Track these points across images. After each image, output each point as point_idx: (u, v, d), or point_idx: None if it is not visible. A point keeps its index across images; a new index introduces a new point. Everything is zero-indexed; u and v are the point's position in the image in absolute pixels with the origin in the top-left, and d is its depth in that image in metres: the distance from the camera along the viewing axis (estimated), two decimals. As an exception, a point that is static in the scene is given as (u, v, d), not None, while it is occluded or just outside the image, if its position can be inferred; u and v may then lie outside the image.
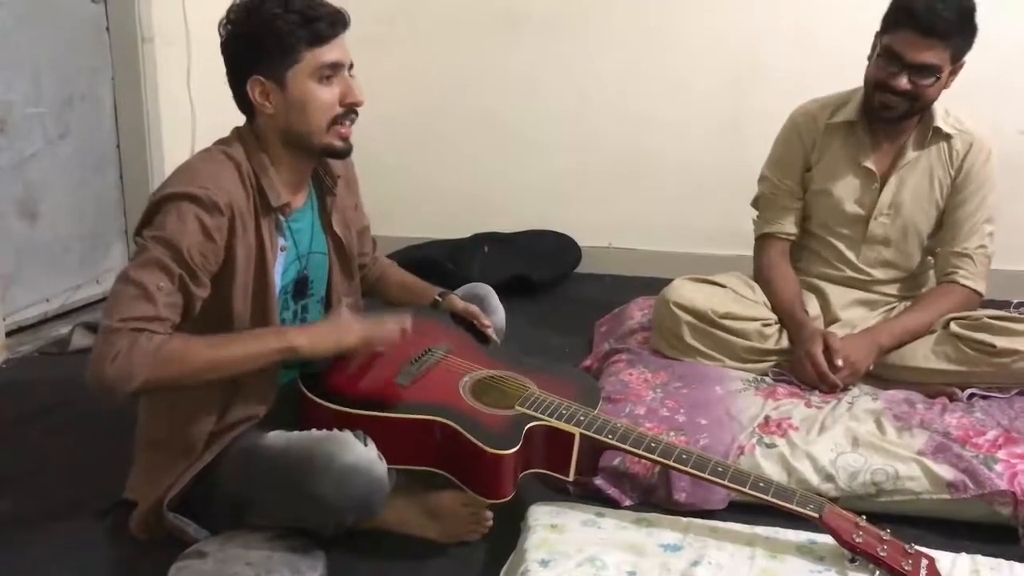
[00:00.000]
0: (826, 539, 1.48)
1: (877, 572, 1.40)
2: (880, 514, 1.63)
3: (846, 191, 2.23)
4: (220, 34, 1.54)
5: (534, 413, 1.55)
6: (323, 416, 1.52)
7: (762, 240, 2.34)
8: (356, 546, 1.58)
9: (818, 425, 1.87)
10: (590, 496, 1.74)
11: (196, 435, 1.54)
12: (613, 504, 1.72)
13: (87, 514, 1.69)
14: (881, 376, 2.12)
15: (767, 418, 1.91)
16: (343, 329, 1.53)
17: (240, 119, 1.61)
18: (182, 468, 1.53)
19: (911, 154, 2.18)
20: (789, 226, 2.29)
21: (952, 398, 2.01)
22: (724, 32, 3.22)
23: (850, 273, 2.27)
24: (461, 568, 1.57)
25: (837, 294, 2.27)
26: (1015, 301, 2.62)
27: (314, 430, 1.49)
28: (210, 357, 1.42)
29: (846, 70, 2.23)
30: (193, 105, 2.95)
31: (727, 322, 2.18)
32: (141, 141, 2.91)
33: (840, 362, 2.04)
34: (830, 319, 2.24)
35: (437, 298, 1.88)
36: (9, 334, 2.59)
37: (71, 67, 2.76)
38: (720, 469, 1.52)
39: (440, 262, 3.17)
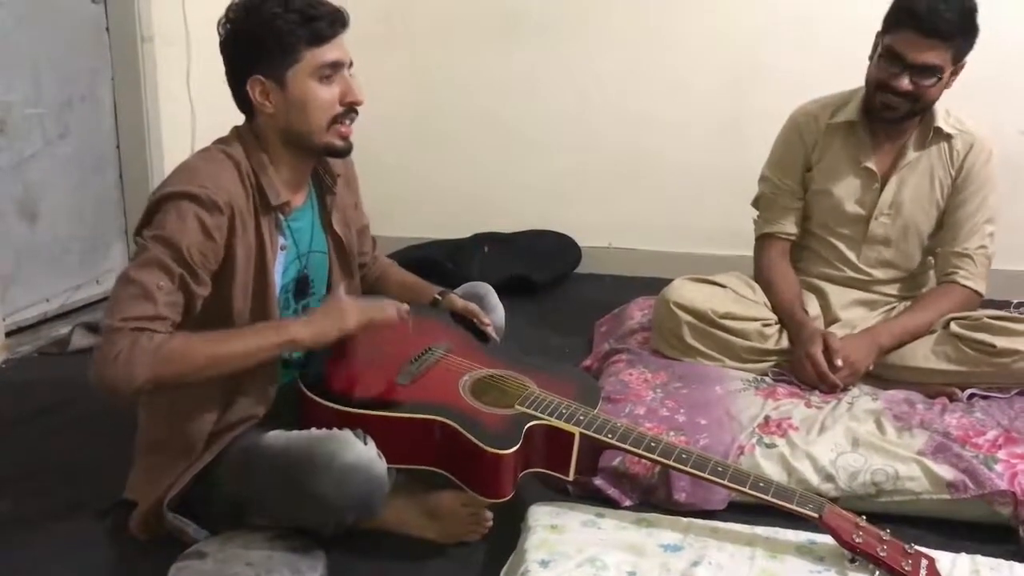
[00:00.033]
0: (826, 539, 1.48)
1: (877, 572, 1.40)
2: (880, 514, 1.63)
3: (847, 191, 2.22)
4: (219, 33, 1.54)
5: (534, 412, 1.55)
6: (323, 415, 1.52)
7: (762, 240, 2.34)
8: (356, 546, 1.58)
9: (818, 425, 1.87)
10: (590, 496, 1.74)
11: (196, 435, 1.54)
12: (613, 504, 1.72)
13: (87, 514, 1.69)
14: (881, 376, 2.12)
15: (767, 418, 1.91)
16: (342, 314, 1.53)
17: (240, 119, 1.61)
18: (182, 468, 1.53)
19: (912, 154, 2.18)
20: (789, 226, 2.29)
21: (952, 398, 2.01)
22: (724, 32, 3.22)
23: (850, 273, 2.27)
24: (461, 568, 1.57)
25: (837, 294, 2.27)
26: (1015, 301, 2.62)
27: (314, 429, 1.49)
28: (211, 354, 1.42)
29: (846, 70, 2.23)
30: (193, 105, 2.95)
31: (727, 322, 2.18)
32: (141, 141, 2.91)
33: (840, 362, 2.04)
34: (830, 319, 2.24)
35: (437, 297, 1.88)
36: (9, 334, 2.59)
37: (71, 67, 2.76)
38: (720, 469, 1.52)
39: (440, 262, 3.17)
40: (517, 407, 1.57)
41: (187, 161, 1.54)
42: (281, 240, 1.60)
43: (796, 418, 1.91)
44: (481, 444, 1.46)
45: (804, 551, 1.50)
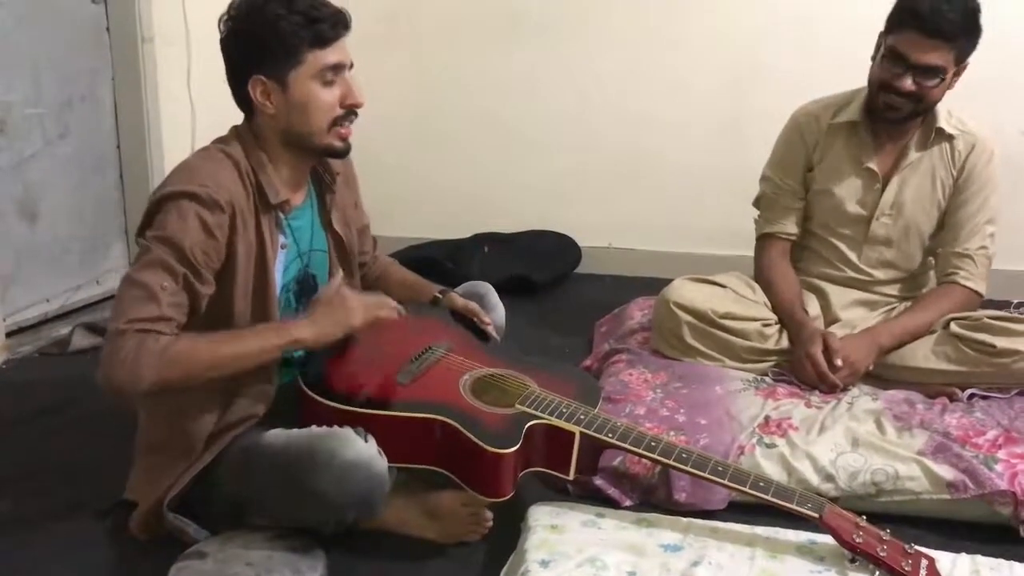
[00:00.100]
0: (826, 539, 1.48)
1: (877, 572, 1.40)
2: (880, 514, 1.63)
3: (848, 191, 2.22)
4: (220, 31, 1.53)
5: (534, 411, 1.55)
6: (323, 414, 1.52)
7: (763, 240, 2.34)
8: (356, 546, 1.58)
9: (818, 425, 1.87)
10: (590, 496, 1.74)
11: (196, 436, 1.54)
12: (613, 504, 1.72)
13: (87, 514, 1.69)
14: (881, 376, 2.12)
15: (767, 418, 1.91)
16: (346, 312, 1.53)
17: (240, 119, 1.61)
18: (182, 468, 1.53)
19: (913, 155, 2.18)
20: (790, 226, 2.29)
21: (952, 398, 2.01)
22: (724, 32, 3.22)
23: (851, 273, 2.27)
24: (461, 568, 1.57)
25: (838, 294, 2.27)
26: (1015, 301, 2.62)
27: (314, 427, 1.49)
28: (215, 355, 1.43)
29: (847, 70, 2.23)
30: (193, 105, 2.95)
31: (727, 322, 2.18)
32: (141, 141, 2.91)
33: (840, 362, 2.04)
34: (830, 319, 2.24)
35: (437, 295, 1.87)
36: (9, 334, 2.58)
37: (71, 67, 2.76)
38: (720, 468, 1.52)
39: (440, 261, 3.17)
40: (517, 406, 1.57)
41: (186, 160, 1.55)
42: (281, 239, 1.60)
43: (796, 418, 1.91)
44: (481, 443, 1.46)
45: (804, 551, 1.50)
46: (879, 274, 2.26)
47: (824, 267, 2.30)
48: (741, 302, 2.23)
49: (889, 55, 2.04)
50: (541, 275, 3.20)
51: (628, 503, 1.73)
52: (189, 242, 1.42)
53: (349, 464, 1.41)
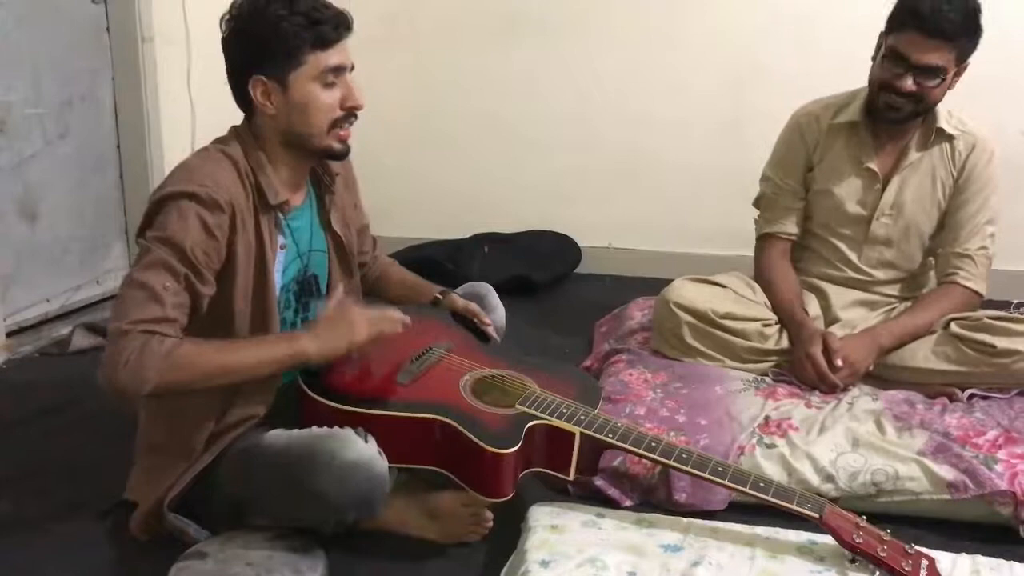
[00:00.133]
0: (826, 539, 1.48)
1: (877, 572, 1.40)
2: (880, 514, 1.63)
3: (848, 191, 2.22)
4: (221, 30, 1.53)
5: (534, 412, 1.55)
6: (324, 414, 1.52)
7: (763, 240, 2.34)
8: (356, 546, 1.58)
9: (818, 425, 1.87)
10: (590, 496, 1.74)
11: (196, 437, 1.54)
12: (613, 504, 1.72)
13: (87, 514, 1.69)
14: (881, 376, 2.12)
15: (767, 418, 1.91)
16: (351, 328, 1.53)
17: (240, 119, 1.61)
18: (182, 469, 1.53)
19: (914, 155, 2.18)
20: (790, 226, 2.29)
21: (952, 398, 2.01)
22: (724, 33, 3.22)
23: (851, 274, 2.27)
24: (461, 569, 1.57)
25: (838, 294, 2.27)
26: (1015, 301, 2.62)
27: (315, 427, 1.49)
28: (220, 362, 1.43)
29: (847, 71, 2.23)
30: (193, 105, 2.95)
31: (727, 322, 2.18)
32: (141, 141, 2.91)
33: (840, 362, 2.04)
34: (830, 319, 2.24)
35: (438, 296, 1.88)
36: (9, 334, 2.59)
37: (71, 67, 2.76)
38: (720, 469, 1.52)
39: (440, 262, 3.17)
40: (518, 407, 1.57)
41: (185, 161, 1.54)
42: (280, 239, 1.60)
43: (796, 418, 1.91)
44: (482, 444, 1.46)
45: (804, 551, 1.50)
46: (879, 274, 2.26)
47: (824, 267, 2.30)
48: (741, 302, 2.23)
49: (890, 55, 2.04)
50: (541, 275, 3.21)
51: (628, 503, 1.73)
52: (190, 242, 1.42)
53: (349, 465, 1.41)
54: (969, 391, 2.02)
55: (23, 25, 2.58)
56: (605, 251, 3.47)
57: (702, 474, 1.52)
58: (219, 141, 1.59)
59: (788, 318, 2.19)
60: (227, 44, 1.54)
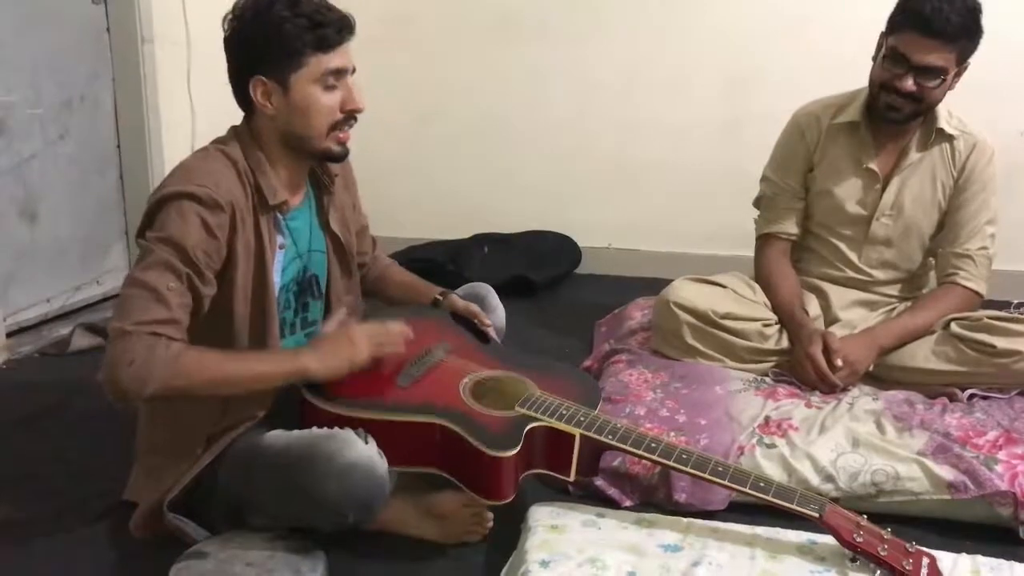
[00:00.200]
0: (827, 539, 1.48)
1: (878, 572, 1.40)
2: (880, 515, 1.63)
3: (848, 192, 2.23)
4: (224, 29, 1.53)
5: (534, 414, 1.55)
6: (323, 418, 1.51)
7: (763, 240, 2.34)
8: (356, 547, 1.58)
9: (818, 425, 1.87)
10: (591, 496, 1.74)
11: (196, 437, 1.54)
12: (613, 504, 1.72)
13: (87, 514, 1.69)
14: (881, 377, 2.12)
15: (767, 418, 1.91)
16: (353, 349, 1.53)
17: (240, 120, 1.61)
18: (182, 469, 1.53)
19: (914, 155, 2.18)
20: (790, 226, 2.29)
21: (952, 398, 2.01)
22: (724, 33, 3.22)
23: (851, 274, 2.27)
24: (461, 569, 1.57)
25: (838, 294, 2.27)
26: (1015, 301, 2.62)
27: (315, 428, 1.49)
28: (224, 373, 1.43)
29: (846, 72, 2.23)
30: (193, 106, 2.96)
31: (727, 322, 2.18)
32: (141, 142, 2.91)
33: (840, 362, 2.04)
34: (830, 319, 2.24)
35: (438, 297, 1.87)
36: (9, 335, 2.59)
37: (71, 68, 2.76)
38: (720, 469, 1.52)
39: (440, 263, 3.18)
40: (518, 409, 1.56)
41: (185, 161, 1.54)
42: (280, 239, 1.60)
43: (796, 418, 1.91)
44: (481, 447, 1.46)
45: (805, 551, 1.50)
46: (879, 274, 2.27)
47: (824, 267, 2.30)
48: (741, 302, 2.23)
49: (890, 55, 2.04)
50: (541, 275, 3.21)
51: (628, 503, 1.73)
52: (191, 242, 1.42)
53: (349, 466, 1.41)
54: (969, 391, 2.02)
55: (23, 26, 2.58)
56: (605, 251, 3.47)
57: (702, 474, 1.52)
58: (218, 141, 1.59)
59: (788, 318, 2.19)
60: (229, 44, 1.54)
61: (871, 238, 2.23)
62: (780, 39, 3.15)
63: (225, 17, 1.53)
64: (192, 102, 2.95)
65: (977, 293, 2.17)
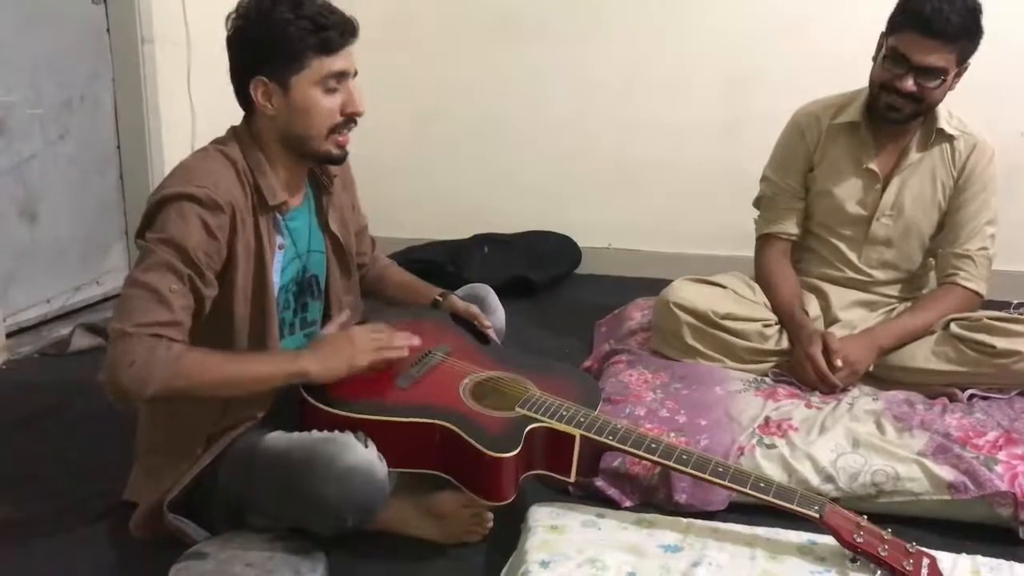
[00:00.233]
0: (827, 540, 1.48)
1: (878, 572, 1.40)
2: (880, 515, 1.62)
3: (848, 192, 2.23)
4: (227, 28, 1.53)
5: (534, 415, 1.55)
6: (323, 419, 1.51)
7: (763, 240, 2.34)
8: (357, 547, 1.58)
9: (818, 426, 1.87)
10: (591, 497, 1.74)
11: (195, 437, 1.54)
12: (614, 505, 1.72)
13: (87, 514, 1.69)
14: (881, 377, 2.12)
15: (767, 419, 1.91)
16: (353, 353, 1.53)
17: (240, 120, 1.61)
18: (182, 469, 1.53)
19: (914, 155, 2.18)
20: (790, 226, 2.29)
21: (952, 399, 2.01)
22: (724, 33, 3.22)
23: (851, 274, 2.27)
24: (461, 569, 1.57)
25: (838, 295, 2.27)
26: (1015, 302, 2.62)
27: (315, 431, 1.49)
28: (224, 374, 1.43)
29: (845, 72, 2.23)
30: (193, 106, 2.96)
31: (727, 323, 2.18)
32: (141, 142, 2.91)
33: (839, 362, 2.04)
34: (830, 320, 2.24)
35: (437, 298, 1.87)
36: (9, 335, 2.59)
37: (71, 68, 2.76)
38: (721, 470, 1.52)
39: (440, 263, 3.18)
40: (518, 410, 1.56)
41: (184, 161, 1.54)
42: (279, 239, 1.60)
43: (796, 419, 1.91)
44: (482, 448, 1.46)
45: (805, 551, 1.50)
46: (879, 275, 2.27)
47: (824, 267, 2.30)
48: (741, 303, 2.23)
49: (890, 56, 2.04)
50: (541, 276, 3.21)
51: (628, 504, 1.73)
52: (192, 243, 1.42)
53: (349, 470, 1.41)
54: (969, 392, 2.02)
55: (24, 26, 2.58)
56: (605, 252, 3.47)
57: (702, 475, 1.51)
58: (217, 142, 1.59)
59: (788, 318, 2.19)
60: (231, 43, 1.54)
61: (871, 238, 2.23)
62: (780, 39, 3.15)
63: (228, 16, 1.53)
64: (192, 102, 2.95)
65: (977, 293, 2.17)
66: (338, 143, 1.58)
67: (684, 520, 1.61)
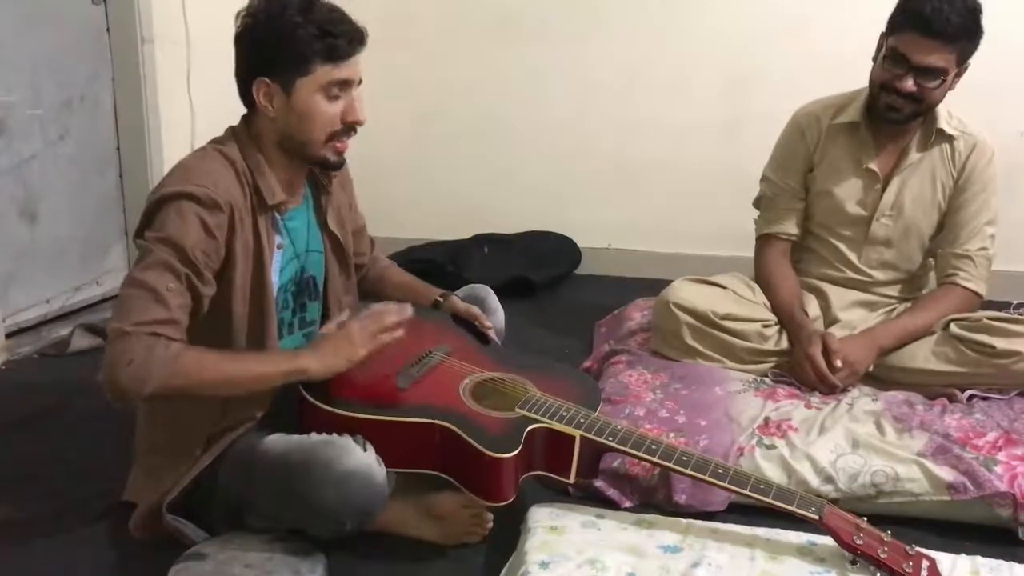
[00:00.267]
0: (826, 540, 1.48)
1: (878, 574, 1.40)
2: (880, 516, 1.63)
3: (848, 192, 2.22)
4: (236, 25, 1.52)
5: (534, 415, 1.55)
6: (322, 419, 1.51)
7: (763, 240, 2.34)
8: (356, 548, 1.57)
9: (818, 426, 1.87)
10: (590, 497, 1.74)
11: (194, 438, 1.54)
12: (613, 506, 1.72)
13: (87, 514, 1.69)
14: (881, 377, 2.12)
15: (767, 419, 1.91)
16: (351, 348, 1.52)
17: (239, 120, 1.61)
18: (181, 471, 1.53)
19: (914, 155, 2.18)
20: (790, 227, 2.29)
21: (952, 399, 2.01)
22: (724, 33, 3.23)
23: (851, 274, 2.27)
24: (461, 570, 1.57)
25: (837, 295, 2.27)
26: (1015, 302, 2.62)
27: (313, 434, 1.49)
28: (223, 373, 1.43)
29: (846, 72, 2.23)
30: (193, 106, 2.96)
31: (727, 323, 2.18)
32: (141, 142, 2.91)
33: (839, 363, 2.04)
34: (830, 320, 2.24)
35: (438, 299, 1.87)
36: (9, 335, 2.59)
37: (71, 68, 2.76)
38: (720, 471, 1.52)
39: (440, 263, 3.18)
40: (517, 410, 1.56)
41: (183, 161, 1.54)
42: (277, 239, 1.60)
43: (796, 419, 1.91)
44: (481, 448, 1.46)
45: (804, 552, 1.50)
46: (879, 275, 2.26)
47: (824, 268, 2.30)
48: (741, 303, 2.23)
49: (890, 56, 2.04)
50: (541, 276, 3.21)
51: (628, 504, 1.73)
52: (190, 242, 1.42)
53: (347, 473, 1.41)
54: (969, 392, 2.02)
55: (23, 26, 2.58)
56: (605, 252, 3.48)
57: (702, 476, 1.51)
58: (216, 141, 1.58)
59: (788, 319, 2.19)
60: (239, 40, 1.53)
61: (871, 239, 2.23)
62: (780, 39, 3.15)
63: (238, 13, 1.52)
64: (192, 102, 2.95)
65: (977, 294, 2.17)
66: (336, 150, 1.58)
67: (684, 521, 1.61)
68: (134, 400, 1.40)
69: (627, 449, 1.54)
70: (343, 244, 1.74)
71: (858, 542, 1.41)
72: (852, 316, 2.24)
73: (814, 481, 1.73)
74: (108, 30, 2.85)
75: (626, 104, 3.36)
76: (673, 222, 3.40)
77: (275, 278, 1.59)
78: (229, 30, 1.54)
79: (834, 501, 1.63)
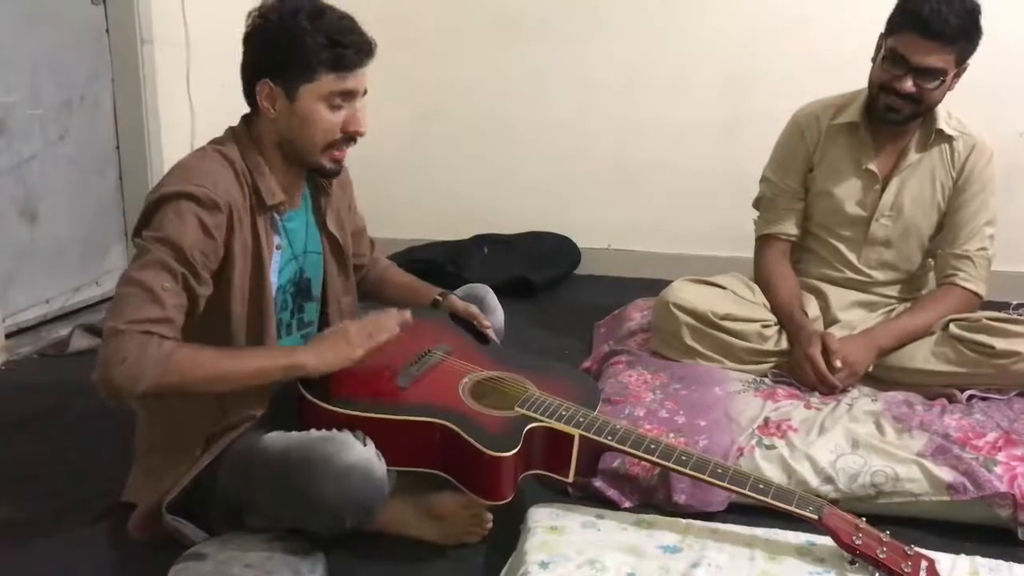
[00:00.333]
0: (826, 541, 1.48)
1: (877, 574, 1.40)
2: (880, 516, 1.63)
3: (848, 192, 2.23)
4: (246, 25, 1.52)
5: (534, 415, 1.55)
6: (322, 417, 1.51)
7: (763, 241, 2.34)
8: (356, 548, 1.58)
9: (817, 426, 1.87)
10: (590, 498, 1.74)
11: (194, 438, 1.54)
12: (613, 506, 1.72)
13: (87, 515, 1.69)
14: (880, 378, 2.12)
15: (767, 419, 1.91)
16: (349, 347, 1.52)
17: (238, 120, 1.61)
18: (181, 471, 1.53)
19: (913, 156, 2.18)
20: (790, 227, 2.29)
21: (951, 399, 2.01)
22: (724, 34, 3.23)
23: (850, 274, 2.27)
24: (461, 570, 1.57)
25: (837, 295, 2.27)
26: (1014, 302, 2.62)
27: (313, 431, 1.49)
28: (217, 369, 1.43)
29: (845, 72, 2.23)
30: (192, 107, 2.96)
31: (727, 323, 2.18)
32: (140, 143, 2.91)
33: (839, 363, 2.04)
34: (830, 320, 2.24)
35: (437, 298, 1.88)
36: (9, 336, 2.59)
37: (71, 69, 2.76)
38: (720, 471, 1.52)
39: (440, 263, 3.18)
40: (517, 409, 1.56)
41: (182, 161, 1.54)
42: (276, 240, 1.60)
43: (796, 419, 1.91)
44: (481, 447, 1.46)
45: (804, 552, 1.50)
46: (878, 275, 2.27)
47: (823, 268, 2.30)
48: (740, 303, 2.23)
49: (889, 57, 2.04)
50: (541, 276, 3.21)
51: (628, 504, 1.73)
52: (188, 242, 1.42)
53: (347, 468, 1.41)
54: (968, 392, 2.02)
55: (23, 26, 2.58)
56: (605, 252, 3.48)
57: (701, 476, 1.52)
58: (215, 142, 1.59)
59: (787, 319, 2.19)
60: (248, 41, 1.53)
61: (870, 239, 2.23)
62: (780, 39, 3.15)
63: (250, 13, 1.52)
64: (191, 103, 2.95)
65: (976, 294, 2.17)
66: (333, 158, 1.58)
67: (683, 521, 1.61)
68: (128, 398, 1.39)
69: (626, 448, 1.54)
70: (342, 245, 1.74)
71: (857, 542, 1.41)
72: (851, 316, 2.24)
73: (814, 481, 1.73)
74: (108, 31, 2.85)
75: (626, 104, 3.36)
76: (673, 222, 3.40)
77: (274, 279, 1.60)
78: (228, 31, 1.55)
79: (834, 501, 1.63)
